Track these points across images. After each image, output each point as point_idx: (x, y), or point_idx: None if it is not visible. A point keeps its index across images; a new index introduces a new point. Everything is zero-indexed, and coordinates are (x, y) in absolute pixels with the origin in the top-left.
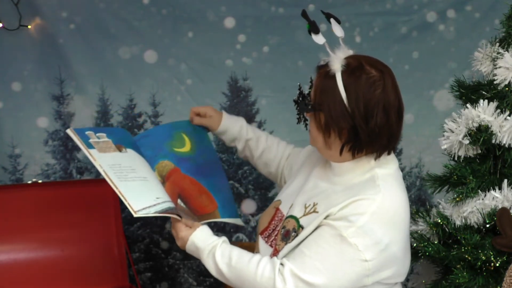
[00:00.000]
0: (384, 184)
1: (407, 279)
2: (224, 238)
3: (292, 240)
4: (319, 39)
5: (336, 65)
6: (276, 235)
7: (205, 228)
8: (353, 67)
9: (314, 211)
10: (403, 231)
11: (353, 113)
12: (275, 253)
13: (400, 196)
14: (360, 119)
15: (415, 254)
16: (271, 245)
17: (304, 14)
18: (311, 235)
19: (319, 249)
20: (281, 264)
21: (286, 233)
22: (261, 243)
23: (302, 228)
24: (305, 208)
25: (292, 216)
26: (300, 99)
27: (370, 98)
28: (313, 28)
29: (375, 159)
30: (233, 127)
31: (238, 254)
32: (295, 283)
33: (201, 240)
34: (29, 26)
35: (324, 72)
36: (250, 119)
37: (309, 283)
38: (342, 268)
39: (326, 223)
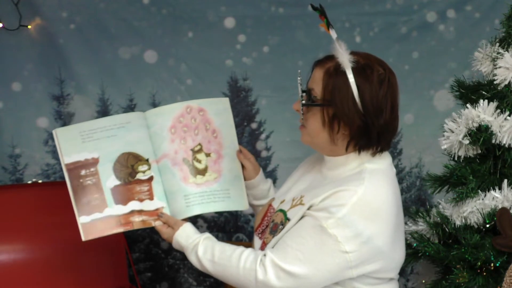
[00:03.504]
0: (370, 177)
1: (407, 279)
2: (207, 235)
3: (279, 232)
4: (333, 33)
5: (346, 62)
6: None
7: (187, 226)
8: (362, 64)
9: (300, 203)
10: (389, 225)
11: (365, 110)
12: (262, 246)
13: (386, 190)
14: (372, 116)
15: (415, 254)
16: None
17: (321, 9)
18: (294, 225)
19: (300, 239)
20: (264, 255)
21: (274, 226)
22: (256, 239)
23: (289, 220)
24: (293, 201)
25: (281, 210)
26: (304, 93)
27: (380, 95)
28: (330, 23)
29: (374, 154)
30: (264, 184)
31: (220, 249)
32: (276, 273)
33: (184, 239)
34: (29, 26)
35: (333, 67)
36: (250, 119)
37: (290, 272)
38: (323, 258)
39: (308, 214)
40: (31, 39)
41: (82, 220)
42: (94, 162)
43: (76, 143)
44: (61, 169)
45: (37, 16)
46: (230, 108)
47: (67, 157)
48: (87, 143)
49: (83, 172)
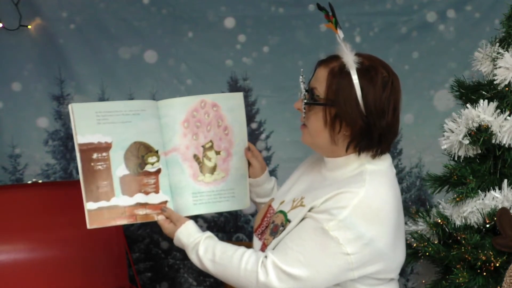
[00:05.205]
0: (371, 179)
1: (407, 279)
2: (208, 234)
3: (280, 234)
4: (341, 33)
5: (351, 63)
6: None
7: (190, 223)
8: (367, 66)
9: (301, 205)
10: (390, 226)
11: (367, 111)
12: (263, 247)
13: (386, 192)
14: (374, 118)
15: (415, 254)
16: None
17: (331, 8)
18: (295, 227)
19: (301, 241)
20: (265, 256)
21: (275, 228)
22: (255, 240)
23: (289, 221)
24: (293, 202)
25: (281, 211)
26: (307, 92)
27: (383, 98)
28: (338, 23)
29: (374, 156)
30: (268, 183)
31: (222, 249)
32: (277, 275)
33: (185, 237)
34: (29, 26)
35: (338, 68)
36: (250, 119)
37: (291, 275)
38: (324, 261)
39: (309, 216)
40: (31, 39)
41: (89, 206)
42: (107, 147)
43: (91, 123)
44: (61, 169)
45: (37, 16)
46: (244, 103)
47: (81, 137)
48: (102, 125)
49: (95, 156)
